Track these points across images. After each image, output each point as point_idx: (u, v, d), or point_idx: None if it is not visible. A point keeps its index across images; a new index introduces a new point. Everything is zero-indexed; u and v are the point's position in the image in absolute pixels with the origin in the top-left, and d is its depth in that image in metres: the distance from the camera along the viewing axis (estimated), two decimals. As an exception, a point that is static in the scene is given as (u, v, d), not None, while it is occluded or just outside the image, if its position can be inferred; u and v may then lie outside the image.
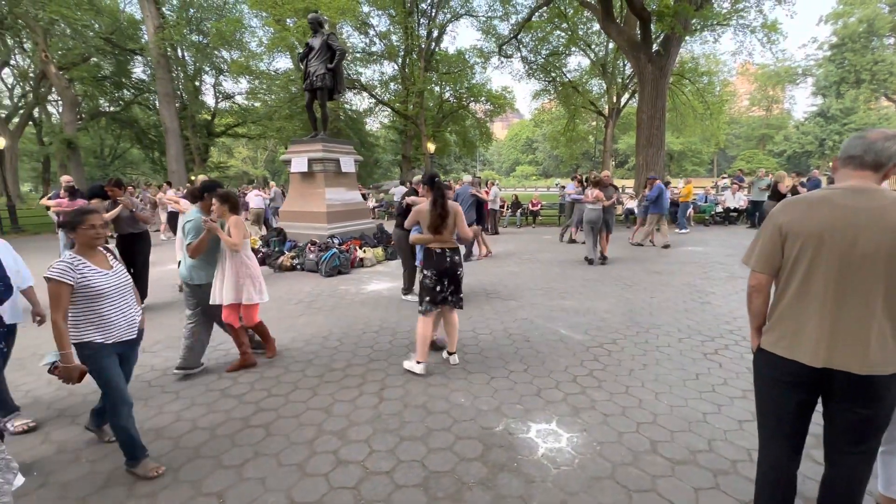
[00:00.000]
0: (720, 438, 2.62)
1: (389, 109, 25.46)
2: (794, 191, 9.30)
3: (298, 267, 7.69)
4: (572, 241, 10.47)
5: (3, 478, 1.78)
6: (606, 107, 25.19)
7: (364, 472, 2.37)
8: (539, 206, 14.98)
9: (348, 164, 9.19)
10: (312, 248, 7.73)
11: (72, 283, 2.15)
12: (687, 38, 16.84)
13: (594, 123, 29.99)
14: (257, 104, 25.70)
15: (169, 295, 6.20)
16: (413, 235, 3.62)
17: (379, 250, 8.53)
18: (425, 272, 3.51)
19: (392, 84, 24.95)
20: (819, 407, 1.64)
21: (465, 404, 3.07)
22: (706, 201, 13.82)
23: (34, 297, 2.96)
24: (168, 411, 3.05)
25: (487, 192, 13.81)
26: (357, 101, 27.29)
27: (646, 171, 13.85)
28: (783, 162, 46.66)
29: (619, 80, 24.21)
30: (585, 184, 8.62)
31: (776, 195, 9.42)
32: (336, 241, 8.17)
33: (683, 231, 11.54)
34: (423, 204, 3.54)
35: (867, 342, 1.41)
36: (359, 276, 7.31)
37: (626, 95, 24.25)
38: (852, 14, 41.30)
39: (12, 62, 24.22)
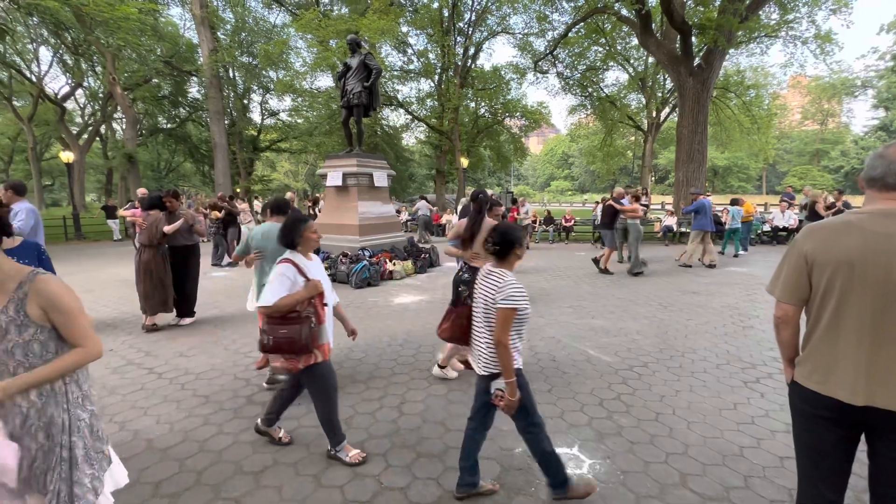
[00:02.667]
0: (758, 475, 2.43)
1: (425, 125, 25.93)
2: (838, 212, 8.66)
3: (330, 278, 7.86)
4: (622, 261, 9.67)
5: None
6: (645, 121, 24.60)
7: (379, 487, 2.36)
8: (572, 221, 14.70)
9: (381, 178, 9.40)
10: (344, 260, 7.91)
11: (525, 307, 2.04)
12: (731, 50, 16.23)
13: (633, 138, 29.32)
14: (300, 120, 26.91)
15: (202, 298, 6.36)
16: (447, 247, 3.87)
17: (408, 263, 8.59)
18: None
19: (428, 100, 25.43)
20: (863, 445, 1.49)
21: (485, 423, 3.01)
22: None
23: (342, 313, 3.02)
24: (197, 415, 3.17)
25: (516, 210, 13.70)
26: (394, 118, 28.01)
27: (686, 187, 13.39)
28: (840, 178, 43.85)
29: (659, 95, 23.62)
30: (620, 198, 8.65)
31: (814, 216, 8.75)
32: (367, 253, 8.32)
33: (743, 252, 10.90)
34: (464, 220, 3.73)
35: None
36: (387, 288, 7.39)
37: (667, 109, 23.61)
38: (918, 22, 38.61)
39: (85, 84, 26.63)
